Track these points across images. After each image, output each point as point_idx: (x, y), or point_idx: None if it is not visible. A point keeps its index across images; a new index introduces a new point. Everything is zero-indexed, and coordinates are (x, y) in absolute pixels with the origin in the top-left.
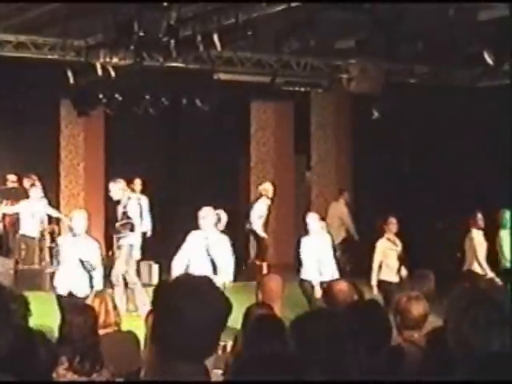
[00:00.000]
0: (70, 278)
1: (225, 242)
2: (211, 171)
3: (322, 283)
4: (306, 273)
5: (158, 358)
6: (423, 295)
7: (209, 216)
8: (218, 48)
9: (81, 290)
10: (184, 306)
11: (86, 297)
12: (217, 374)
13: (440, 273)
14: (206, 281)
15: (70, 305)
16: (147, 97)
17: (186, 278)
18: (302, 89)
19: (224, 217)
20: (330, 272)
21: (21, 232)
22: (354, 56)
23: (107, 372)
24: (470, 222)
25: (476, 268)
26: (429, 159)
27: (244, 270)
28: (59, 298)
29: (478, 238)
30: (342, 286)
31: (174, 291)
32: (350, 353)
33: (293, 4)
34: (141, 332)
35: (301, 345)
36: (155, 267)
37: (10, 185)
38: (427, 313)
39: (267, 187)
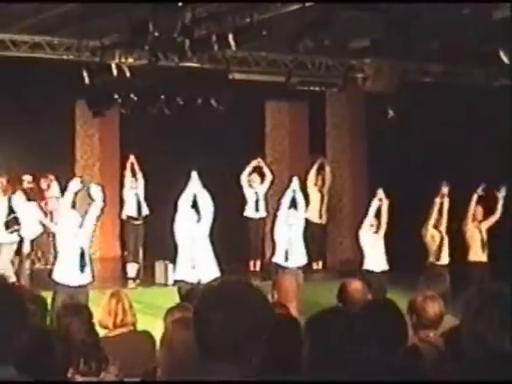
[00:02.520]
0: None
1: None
2: (226, 171)
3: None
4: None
5: (203, 364)
6: (439, 295)
7: None
8: (233, 48)
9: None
10: (221, 311)
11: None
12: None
13: None
14: (246, 285)
15: (64, 308)
16: (162, 97)
17: (224, 283)
18: (317, 88)
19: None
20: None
21: None
22: (368, 55)
23: (114, 368)
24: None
25: None
26: (443, 158)
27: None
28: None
29: None
30: (357, 285)
31: (213, 297)
32: (365, 352)
33: (307, 3)
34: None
35: (316, 344)
36: (170, 267)
37: (26, 185)
38: (443, 312)
39: None
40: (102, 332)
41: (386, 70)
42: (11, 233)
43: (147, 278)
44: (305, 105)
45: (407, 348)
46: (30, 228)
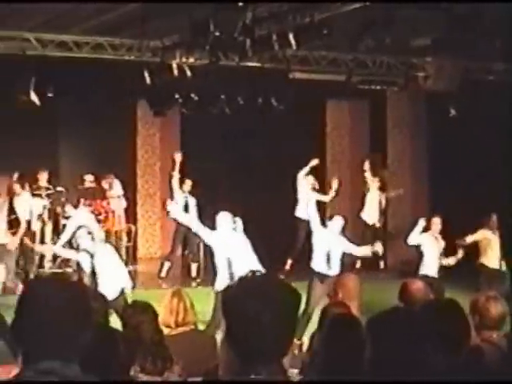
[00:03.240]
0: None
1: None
2: (286, 171)
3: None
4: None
5: (234, 360)
6: (500, 295)
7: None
8: (294, 47)
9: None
10: (252, 307)
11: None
12: (293, 373)
13: None
14: (271, 278)
15: (131, 307)
16: (223, 96)
17: (250, 278)
18: (378, 87)
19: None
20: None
21: None
22: (430, 54)
23: (178, 368)
24: None
25: None
26: (505, 157)
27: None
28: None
29: None
30: (419, 285)
31: (239, 293)
32: (428, 353)
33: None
34: None
35: (378, 344)
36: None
37: (87, 185)
38: (506, 313)
39: None
40: (163, 331)
41: (447, 69)
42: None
43: (208, 277)
44: (365, 104)
45: (470, 348)
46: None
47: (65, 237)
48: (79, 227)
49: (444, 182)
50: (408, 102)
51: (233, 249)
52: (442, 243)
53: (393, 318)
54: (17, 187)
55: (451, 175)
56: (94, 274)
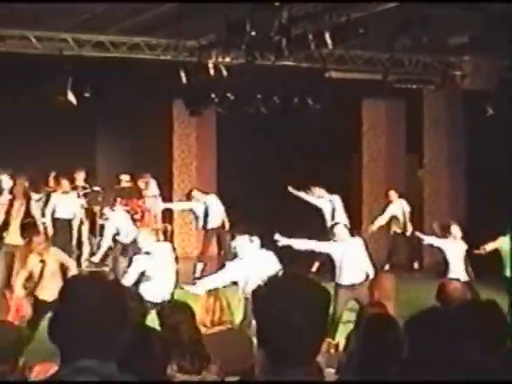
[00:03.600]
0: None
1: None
2: (322, 170)
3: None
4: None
5: (267, 361)
6: None
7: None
8: (330, 46)
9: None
10: (281, 308)
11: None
12: (329, 372)
13: None
14: (300, 277)
15: (169, 306)
16: (259, 96)
17: (279, 278)
18: (414, 86)
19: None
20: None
21: None
22: (467, 52)
23: (215, 367)
24: None
25: None
26: None
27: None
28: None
29: None
30: (457, 285)
31: (269, 293)
32: (466, 352)
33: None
34: None
35: (416, 344)
36: None
37: (123, 184)
38: None
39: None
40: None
41: (484, 68)
42: None
43: None
44: (402, 103)
45: (509, 349)
46: (129, 231)
47: (106, 242)
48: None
49: (481, 181)
50: (445, 101)
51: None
52: (465, 246)
53: (431, 318)
54: (62, 185)
55: (488, 175)
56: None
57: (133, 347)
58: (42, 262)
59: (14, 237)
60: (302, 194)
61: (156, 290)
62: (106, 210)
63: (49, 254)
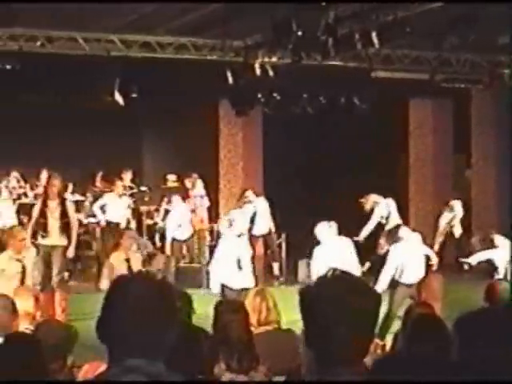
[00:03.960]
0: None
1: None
2: (369, 170)
3: None
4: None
5: (314, 362)
6: None
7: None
8: (376, 46)
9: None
10: (329, 309)
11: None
12: None
13: None
14: (350, 279)
15: (223, 304)
16: (305, 96)
17: (329, 279)
18: (462, 85)
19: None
20: None
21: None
22: None
23: (263, 368)
24: None
25: None
26: None
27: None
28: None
29: None
30: (506, 285)
31: (317, 294)
32: None
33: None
34: None
35: (465, 345)
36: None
37: (170, 184)
38: None
39: None
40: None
41: None
42: None
43: (290, 276)
44: (449, 102)
45: None
46: (185, 229)
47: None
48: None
49: None
50: (492, 101)
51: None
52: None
53: (482, 319)
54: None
55: None
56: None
57: (180, 347)
58: (127, 260)
59: (52, 237)
60: (366, 230)
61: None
62: (175, 199)
63: (132, 252)
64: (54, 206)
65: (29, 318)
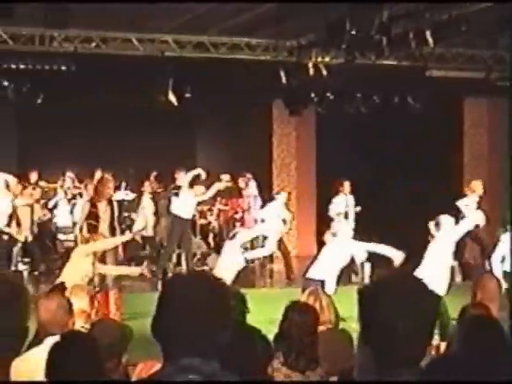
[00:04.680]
0: None
1: None
2: (423, 169)
3: None
4: None
5: (370, 362)
6: None
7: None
8: (431, 44)
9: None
10: (387, 311)
11: None
12: None
13: None
14: (409, 280)
15: (293, 305)
16: (358, 95)
17: (387, 279)
18: None
19: None
20: None
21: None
22: None
23: (321, 370)
24: None
25: None
26: None
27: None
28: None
29: None
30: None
31: (376, 295)
32: None
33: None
34: None
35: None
36: (367, 266)
37: (223, 184)
38: None
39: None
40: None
41: None
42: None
43: (344, 277)
44: (505, 101)
45: None
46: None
47: None
48: None
49: None
50: None
51: None
52: None
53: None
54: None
55: None
56: None
57: (234, 346)
58: None
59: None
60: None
61: None
62: None
63: None
64: (103, 206)
65: (84, 317)
